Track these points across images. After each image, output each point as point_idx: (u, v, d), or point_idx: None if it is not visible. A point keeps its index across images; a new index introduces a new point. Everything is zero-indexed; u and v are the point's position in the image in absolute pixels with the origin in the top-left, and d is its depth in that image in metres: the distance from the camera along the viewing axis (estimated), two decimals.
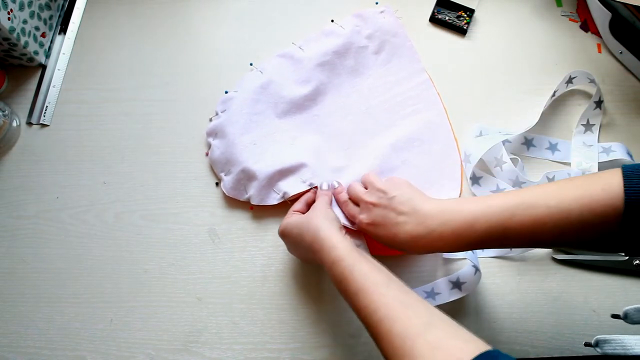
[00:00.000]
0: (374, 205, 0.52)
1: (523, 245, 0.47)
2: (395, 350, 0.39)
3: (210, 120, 0.67)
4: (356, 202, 0.56)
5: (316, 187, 0.60)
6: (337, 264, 0.46)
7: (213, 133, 0.66)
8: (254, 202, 0.62)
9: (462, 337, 0.38)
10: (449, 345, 0.37)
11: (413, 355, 0.38)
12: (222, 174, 0.64)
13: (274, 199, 0.62)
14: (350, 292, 0.44)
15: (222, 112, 0.66)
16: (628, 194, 0.41)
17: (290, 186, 0.61)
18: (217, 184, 0.64)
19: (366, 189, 0.56)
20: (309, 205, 0.58)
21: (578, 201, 0.43)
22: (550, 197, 0.44)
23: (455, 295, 0.56)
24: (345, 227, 0.55)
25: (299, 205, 0.58)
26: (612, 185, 0.42)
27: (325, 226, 0.50)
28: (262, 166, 0.62)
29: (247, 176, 0.62)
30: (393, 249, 0.51)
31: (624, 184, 0.41)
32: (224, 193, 0.63)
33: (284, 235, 0.55)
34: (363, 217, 0.53)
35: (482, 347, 0.37)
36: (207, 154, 0.66)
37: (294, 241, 0.54)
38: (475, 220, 0.46)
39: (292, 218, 0.55)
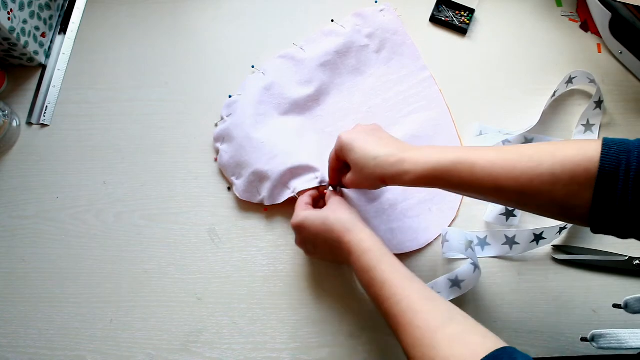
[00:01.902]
0: (355, 128, 0.54)
1: (490, 189, 0.45)
2: (415, 341, 0.41)
3: (216, 125, 0.67)
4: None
5: (322, 184, 0.60)
6: (367, 254, 0.48)
7: (220, 138, 0.65)
8: (267, 202, 0.61)
9: (481, 332, 0.40)
10: (468, 340, 0.39)
11: (432, 347, 0.39)
12: (233, 178, 0.63)
13: (285, 195, 0.61)
14: (377, 282, 0.46)
15: (227, 117, 0.66)
16: (603, 156, 0.40)
17: (303, 184, 0.61)
18: (229, 188, 0.64)
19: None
20: (315, 199, 0.59)
21: (552, 154, 0.42)
22: (526, 148, 0.45)
23: (454, 294, 0.56)
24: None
25: (307, 198, 0.58)
26: (588, 149, 0.41)
27: (355, 218, 0.52)
28: (274, 166, 0.61)
29: (258, 178, 0.62)
30: (369, 181, 0.51)
31: (602, 148, 0.40)
32: (225, 194, 0.63)
33: (302, 227, 0.54)
34: (342, 135, 0.53)
35: (499, 343, 0.38)
36: (215, 160, 0.65)
37: (314, 233, 0.53)
38: (445, 154, 0.46)
39: (311, 212, 0.55)
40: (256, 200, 0.62)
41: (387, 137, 0.52)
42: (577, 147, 0.42)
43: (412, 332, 0.42)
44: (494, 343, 0.38)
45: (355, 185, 0.54)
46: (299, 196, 0.60)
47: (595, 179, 0.40)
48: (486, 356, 0.36)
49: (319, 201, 0.60)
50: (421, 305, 0.43)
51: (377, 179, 0.49)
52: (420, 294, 0.44)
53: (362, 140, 0.51)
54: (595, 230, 0.43)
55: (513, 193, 0.44)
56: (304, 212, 0.55)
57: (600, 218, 0.41)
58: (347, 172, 0.54)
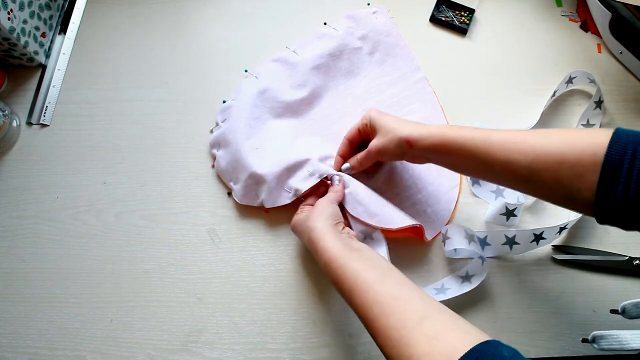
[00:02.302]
0: (372, 108, 0.57)
1: (499, 164, 0.46)
2: (392, 342, 0.39)
3: (211, 131, 0.67)
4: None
5: (326, 178, 0.59)
6: (330, 265, 0.46)
7: (216, 144, 0.65)
8: (267, 205, 0.61)
9: (462, 327, 0.38)
10: (447, 336, 0.37)
11: (409, 346, 0.38)
12: (231, 183, 0.63)
13: (286, 198, 0.60)
14: (345, 292, 0.45)
15: (222, 122, 0.66)
16: (611, 143, 0.40)
17: (300, 182, 0.60)
18: (229, 194, 0.64)
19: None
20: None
21: (562, 134, 0.44)
22: (539, 129, 0.47)
23: (466, 288, 0.56)
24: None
25: (310, 200, 0.58)
26: (599, 135, 0.42)
27: (319, 225, 0.50)
28: (269, 168, 0.61)
29: (255, 181, 0.61)
30: (391, 154, 0.54)
31: (612, 136, 0.41)
32: (224, 194, 0.63)
33: (294, 231, 0.57)
34: (368, 111, 0.56)
35: (482, 337, 0.36)
36: (212, 166, 0.65)
37: (300, 238, 0.55)
38: (460, 130, 0.49)
39: (300, 215, 0.55)
40: (256, 203, 0.62)
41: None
42: (587, 132, 0.43)
43: (388, 334, 0.40)
44: (477, 337, 0.36)
45: (377, 152, 0.55)
46: (303, 197, 0.59)
47: (601, 164, 0.40)
48: (468, 351, 0.35)
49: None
50: (393, 307, 0.41)
51: (404, 139, 0.51)
52: (390, 296, 0.42)
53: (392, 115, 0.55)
54: (601, 220, 0.42)
55: (522, 168, 0.44)
56: (296, 215, 0.56)
57: (605, 206, 0.41)
58: (360, 151, 0.57)
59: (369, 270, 0.45)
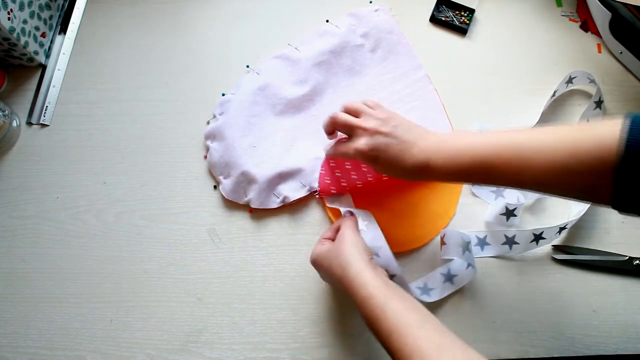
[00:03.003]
0: (376, 131, 0.49)
1: (509, 182, 0.45)
2: None
3: (208, 123, 0.67)
4: (348, 131, 0.52)
5: (315, 191, 0.61)
6: (368, 302, 0.44)
7: (211, 136, 0.65)
8: (253, 205, 0.62)
9: None
10: None
11: None
12: (221, 177, 0.64)
13: (274, 203, 0.62)
14: (383, 333, 0.42)
15: (219, 115, 0.66)
16: (626, 144, 0.38)
17: (291, 190, 0.62)
18: (215, 186, 0.64)
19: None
20: (337, 231, 0.54)
21: (565, 148, 0.41)
22: (539, 139, 0.43)
23: (448, 290, 0.57)
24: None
25: (329, 232, 0.55)
26: (605, 137, 0.40)
27: (355, 260, 0.47)
28: (262, 169, 0.62)
29: (247, 179, 0.62)
30: (391, 176, 0.51)
31: (627, 133, 0.38)
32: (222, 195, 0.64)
33: (315, 264, 0.52)
34: (361, 143, 0.49)
35: None
36: (205, 157, 0.66)
37: (325, 272, 0.51)
38: (465, 154, 0.46)
39: (323, 247, 0.52)
40: (242, 201, 0.62)
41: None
42: (593, 135, 0.41)
43: None
44: None
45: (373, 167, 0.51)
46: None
47: (617, 164, 0.38)
48: None
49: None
50: (434, 357, 0.38)
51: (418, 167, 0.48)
52: (432, 343, 0.39)
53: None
54: (621, 212, 0.41)
55: (532, 186, 0.44)
56: (318, 248, 0.52)
57: (625, 203, 0.40)
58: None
59: (410, 312, 0.42)
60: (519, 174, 0.43)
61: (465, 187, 0.63)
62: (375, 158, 0.49)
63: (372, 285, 0.44)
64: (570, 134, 0.42)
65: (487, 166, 0.45)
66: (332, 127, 0.53)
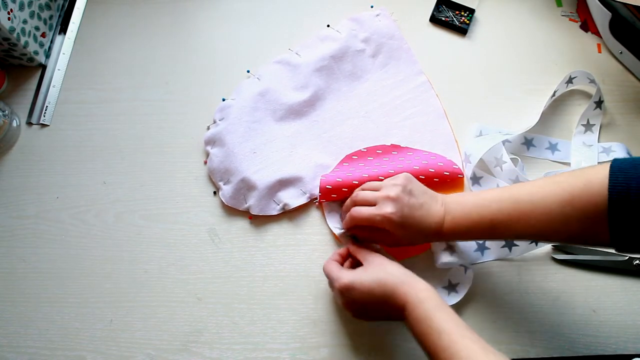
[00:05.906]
0: (398, 198, 0.51)
1: (512, 236, 0.50)
2: None
3: (208, 128, 0.67)
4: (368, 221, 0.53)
5: (315, 198, 0.62)
6: (424, 304, 0.46)
7: (211, 141, 0.65)
8: (253, 212, 0.62)
9: None
10: None
11: None
12: (221, 183, 0.63)
13: (274, 210, 0.62)
14: (434, 331, 0.45)
15: (220, 120, 0.66)
16: (610, 191, 0.42)
17: (291, 198, 0.62)
18: (215, 192, 0.64)
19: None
20: (344, 257, 0.56)
21: (559, 197, 0.45)
22: (535, 192, 0.48)
23: (454, 299, 0.57)
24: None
25: (337, 257, 0.56)
26: (594, 183, 0.44)
27: (406, 271, 0.50)
28: (262, 176, 0.62)
29: (247, 186, 0.62)
30: (415, 244, 0.53)
31: (609, 180, 0.42)
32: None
33: (351, 288, 0.51)
34: (388, 210, 0.51)
35: None
36: (205, 162, 0.65)
37: (366, 292, 0.50)
38: (470, 212, 0.50)
39: (356, 273, 0.51)
40: (242, 207, 0.62)
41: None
42: (583, 183, 0.45)
43: None
44: None
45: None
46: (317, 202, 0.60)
47: (607, 210, 0.42)
48: None
49: (347, 259, 0.56)
50: (481, 356, 0.42)
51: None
52: (478, 344, 0.43)
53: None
54: (624, 253, 0.45)
55: (536, 236, 0.50)
56: (346, 274, 0.51)
57: (622, 244, 0.44)
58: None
59: (457, 316, 0.46)
60: (520, 226, 0.48)
61: (466, 187, 0.63)
62: (402, 224, 0.51)
63: (428, 290, 0.48)
64: (565, 182, 0.46)
65: (493, 223, 0.49)
66: (353, 224, 0.55)
